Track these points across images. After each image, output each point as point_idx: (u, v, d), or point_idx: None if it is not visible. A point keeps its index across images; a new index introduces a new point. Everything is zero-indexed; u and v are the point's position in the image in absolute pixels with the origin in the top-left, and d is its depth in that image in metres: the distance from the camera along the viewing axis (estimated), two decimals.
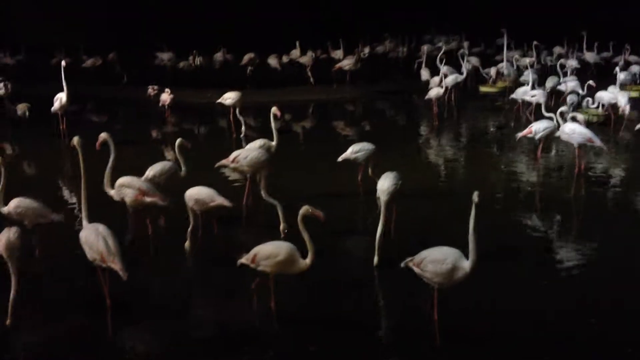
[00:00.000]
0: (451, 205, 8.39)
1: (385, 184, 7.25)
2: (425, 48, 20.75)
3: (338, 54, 21.19)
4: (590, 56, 19.39)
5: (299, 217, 5.80)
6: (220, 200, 7.32)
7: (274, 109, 9.40)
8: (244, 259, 5.93)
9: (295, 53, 21.29)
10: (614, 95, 12.87)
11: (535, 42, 18.45)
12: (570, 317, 5.86)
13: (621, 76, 14.07)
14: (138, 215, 7.58)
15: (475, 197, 5.45)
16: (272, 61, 20.94)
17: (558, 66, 15.99)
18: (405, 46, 23.49)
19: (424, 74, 17.37)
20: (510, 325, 5.72)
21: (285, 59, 21.17)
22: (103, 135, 7.56)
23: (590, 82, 13.68)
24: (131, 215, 7.55)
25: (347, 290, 6.48)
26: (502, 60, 17.97)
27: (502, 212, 8.52)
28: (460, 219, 5.50)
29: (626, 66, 16.80)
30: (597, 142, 9.60)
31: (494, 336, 5.56)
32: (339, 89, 18.32)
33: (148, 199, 7.40)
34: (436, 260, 5.52)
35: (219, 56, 22.13)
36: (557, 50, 20.39)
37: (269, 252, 5.79)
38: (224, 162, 8.70)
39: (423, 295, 5.81)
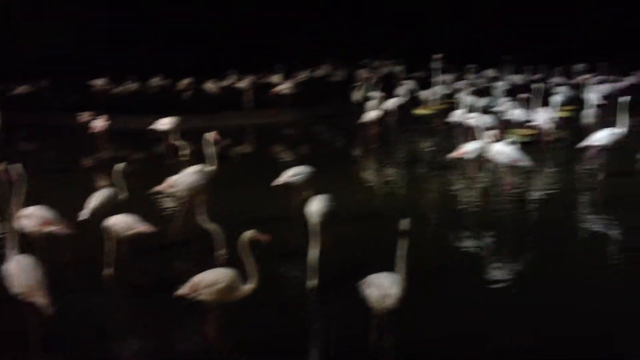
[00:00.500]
0: (388, 227, 8.44)
1: (313, 207, 7.27)
2: (362, 72, 21.12)
3: (276, 78, 21.28)
4: (519, 78, 20.07)
5: (244, 241, 5.64)
6: (140, 227, 7.18)
7: (211, 134, 9.34)
8: (183, 289, 5.63)
9: (233, 78, 21.29)
10: (536, 115, 13.39)
11: (469, 65, 18.98)
12: (506, 333, 5.96)
13: (556, 98, 14.59)
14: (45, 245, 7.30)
15: (404, 224, 5.52)
16: (210, 86, 20.86)
17: (491, 88, 16.46)
18: (343, 70, 23.80)
19: (356, 95, 17.67)
20: (449, 344, 5.79)
21: (223, 83, 21.13)
22: (15, 167, 7.27)
23: (523, 95, 14.23)
24: (35, 245, 7.18)
25: (282, 315, 6.42)
26: (436, 84, 18.45)
27: (435, 232, 8.67)
28: (396, 241, 5.56)
29: (556, 87, 17.40)
30: (523, 162, 10.01)
31: (431, 356, 5.62)
32: (277, 112, 18.32)
33: (51, 228, 7.20)
34: (371, 284, 5.57)
35: (155, 81, 21.94)
36: (490, 73, 21.04)
37: (210, 280, 5.56)
38: (160, 187, 8.58)
39: (361, 318, 5.78)
